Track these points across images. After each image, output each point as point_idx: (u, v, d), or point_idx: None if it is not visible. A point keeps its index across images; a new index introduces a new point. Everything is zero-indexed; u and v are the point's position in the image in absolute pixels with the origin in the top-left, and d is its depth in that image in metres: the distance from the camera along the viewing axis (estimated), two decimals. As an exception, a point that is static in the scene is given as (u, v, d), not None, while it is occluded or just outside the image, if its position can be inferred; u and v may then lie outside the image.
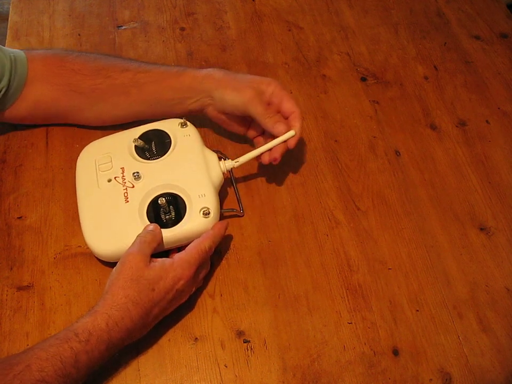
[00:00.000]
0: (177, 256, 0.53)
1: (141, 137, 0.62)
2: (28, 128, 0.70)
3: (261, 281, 0.60)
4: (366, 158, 0.70)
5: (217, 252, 0.61)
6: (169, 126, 0.63)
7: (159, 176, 0.59)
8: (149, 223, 0.56)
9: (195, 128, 0.64)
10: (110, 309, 0.48)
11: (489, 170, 0.70)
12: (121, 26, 0.82)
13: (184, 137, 0.62)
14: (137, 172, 0.59)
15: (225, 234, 0.58)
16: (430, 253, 0.63)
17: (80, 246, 0.61)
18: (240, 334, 0.56)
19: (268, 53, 0.80)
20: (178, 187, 0.58)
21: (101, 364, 0.49)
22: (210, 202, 0.57)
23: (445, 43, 0.84)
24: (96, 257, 0.59)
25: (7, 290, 0.58)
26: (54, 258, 0.60)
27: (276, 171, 0.68)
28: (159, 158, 0.61)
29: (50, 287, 0.58)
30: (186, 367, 0.54)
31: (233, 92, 0.59)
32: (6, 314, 0.56)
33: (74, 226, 0.62)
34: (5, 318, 0.56)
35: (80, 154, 0.63)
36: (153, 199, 0.58)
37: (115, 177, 0.59)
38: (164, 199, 0.56)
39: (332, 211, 0.65)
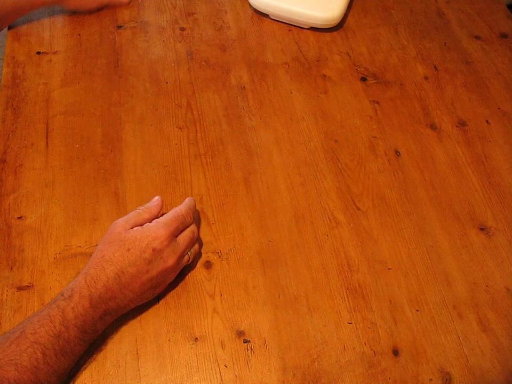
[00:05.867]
0: (154, 220, 0.56)
1: None
2: (28, 128, 0.70)
3: (261, 281, 0.60)
4: (366, 158, 0.70)
5: (217, 251, 0.62)
6: None
7: None
8: None
9: None
10: (88, 268, 0.52)
11: (489, 170, 0.70)
12: (121, 26, 0.82)
13: None
14: None
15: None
16: (430, 253, 0.63)
17: (80, 246, 0.61)
18: (240, 334, 0.56)
19: (267, 53, 0.80)
20: None
21: (89, 326, 0.50)
22: None
23: (445, 43, 0.84)
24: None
25: (7, 290, 0.58)
26: (54, 258, 0.60)
27: (276, 171, 0.68)
28: None
29: (50, 287, 0.58)
30: (186, 367, 0.54)
31: None
32: (6, 314, 0.56)
33: (74, 226, 0.62)
34: (5, 318, 0.56)
35: None
36: None
37: None
38: None
39: (332, 211, 0.65)
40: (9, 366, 0.45)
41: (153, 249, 0.52)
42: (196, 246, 0.59)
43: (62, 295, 0.50)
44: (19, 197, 0.64)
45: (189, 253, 0.57)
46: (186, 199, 0.60)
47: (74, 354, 0.50)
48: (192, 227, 0.58)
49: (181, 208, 0.57)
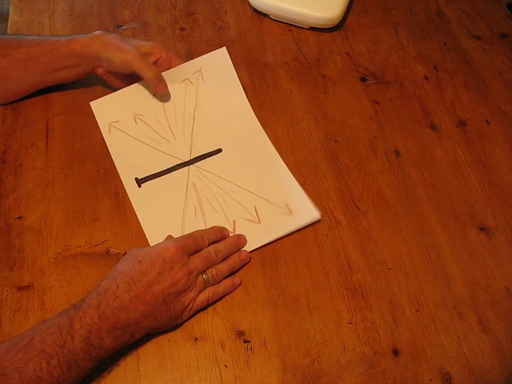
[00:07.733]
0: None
1: None
2: (28, 128, 0.70)
3: (261, 281, 0.60)
4: (366, 158, 0.70)
5: (217, 252, 0.62)
6: None
7: None
8: None
9: None
10: (101, 281, 0.53)
11: (489, 170, 0.70)
12: (121, 26, 0.82)
13: None
14: None
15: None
16: (430, 253, 0.63)
17: (80, 246, 0.61)
18: (240, 334, 0.56)
19: (268, 53, 0.80)
20: None
21: (95, 338, 0.48)
22: None
23: (445, 43, 0.84)
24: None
25: (7, 290, 0.58)
26: (54, 258, 0.60)
27: (276, 171, 0.68)
28: None
29: (50, 287, 0.58)
30: (186, 367, 0.54)
31: (118, 52, 0.65)
32: (6, 314, 0.56)
33: (74, 226, 0.62)
34: (5, 318, 0.56)
35: None
36: None
37: None
38: None
39: (332, 211, 0.65)
40: (14, 374, 0.44)
41: (163, 259, 0.53)
42: (214, 270, 0.57)
43: (74, 305, 0.51)
44: (19, 197, 0.64)
45: (204, 276, 0.56)
46: (211, 227, 0.62)
47: (80, 370, 0.48)
48: (209, 249, 0.58)
49: (198, 231, 0.59)
